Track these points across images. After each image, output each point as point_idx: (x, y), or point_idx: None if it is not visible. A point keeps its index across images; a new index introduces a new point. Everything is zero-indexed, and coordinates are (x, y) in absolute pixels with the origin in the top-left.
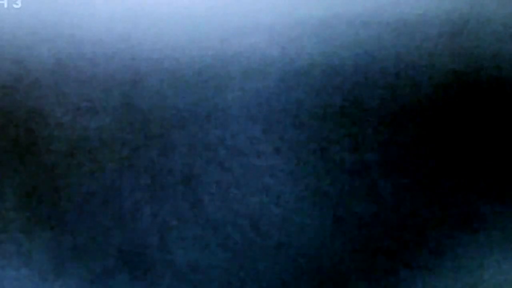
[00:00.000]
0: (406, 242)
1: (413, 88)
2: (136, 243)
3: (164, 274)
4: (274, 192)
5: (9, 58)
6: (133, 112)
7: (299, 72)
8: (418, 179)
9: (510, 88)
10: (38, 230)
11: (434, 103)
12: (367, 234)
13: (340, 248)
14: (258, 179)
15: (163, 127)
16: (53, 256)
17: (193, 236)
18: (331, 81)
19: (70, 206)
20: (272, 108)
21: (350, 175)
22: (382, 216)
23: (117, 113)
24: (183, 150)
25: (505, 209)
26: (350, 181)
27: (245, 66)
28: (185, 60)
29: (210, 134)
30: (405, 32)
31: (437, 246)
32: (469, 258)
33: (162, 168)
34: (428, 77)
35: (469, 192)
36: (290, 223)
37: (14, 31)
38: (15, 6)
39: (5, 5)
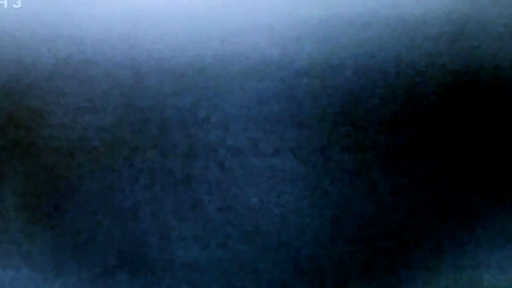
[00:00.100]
0: (406, 242)
1: (413, 88)
2: (136, 243)
3: (164, 274)
4: (274, 192)
5: (9, 58)
6: (133, 112)
7: (299, 72)
8: (418, 179)
9: (510, 88)
10: (38, 230)
11: (434, 103)
12: (367, 234)
13: (340, 248)
14: (258, 179)
15: (163, 127)
16: (53, 256)
17: (193, 236)
18: (331, 81)
19: (70, 206)
20: (272, 108)
21: (350, 175)
22: (382, 216)
23: (117, 113)
24: (183, 150)
25: (505, 209)
26: (350, 181)
27: (245, 66)
28: (185, 60)
29: (210, 134)
30: (405, 32)
31: (437, 246)
32: (469, 258)
33: (162, 168)
34: (428, 77)
35: (469, 192)
36: (290, 223)
37: (14, 31)
38: (15, 6)
39: (5, 5)
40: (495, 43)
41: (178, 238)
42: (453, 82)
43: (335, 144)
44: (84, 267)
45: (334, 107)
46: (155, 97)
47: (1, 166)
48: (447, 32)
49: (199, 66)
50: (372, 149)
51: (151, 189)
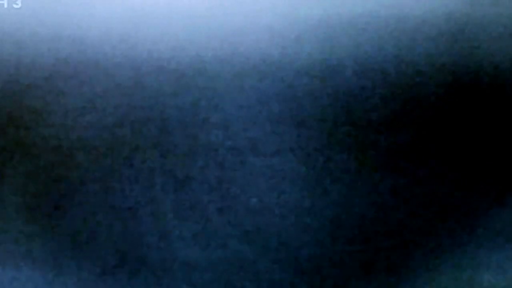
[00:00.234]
0: (406, 242)
1: (413, 88)
2: (136, 243)
3: (164, 274)
4: (274, 192)
5: (9, 58)
6: (133, 112)
7: (299, 72)
8: (418, 179)
9: (510, 88)
10: (38, 230)
11: (434, 103)
12: (367, 234)
13: (340, 248)
14: (258, 179)
15: (163, 127)
16: (53, 256)
17: (193, 236)
18: (331, 81)
19: (70, 206)
20: (272, 108)
21: (350, 175)
22: (382, 216)
23: (117, 113)
24: (183, 150)
25: (505, 209)
26: (350, 181)
27: (245, 66)
28: (185, 60)
29: (210, 134)
30: (405, 32)
31: (437, 246)
32: (469, 258)
33: (162, 168)
34: (428, 77)
35: (469, 192)
36: (290, 223)
37: (14, 31)
38: (15, 6)
39: (5, 5)
40: (495, 43)
41: (178, 238)
42: (453, 82)
43: (335, 144)
44: (84, 267)
45: (334, 107)
46: (155, 97)
47: (1, 166)
48: (447, 32)
49: (199, 66)
50: (372, 149)
51: (151, 189)
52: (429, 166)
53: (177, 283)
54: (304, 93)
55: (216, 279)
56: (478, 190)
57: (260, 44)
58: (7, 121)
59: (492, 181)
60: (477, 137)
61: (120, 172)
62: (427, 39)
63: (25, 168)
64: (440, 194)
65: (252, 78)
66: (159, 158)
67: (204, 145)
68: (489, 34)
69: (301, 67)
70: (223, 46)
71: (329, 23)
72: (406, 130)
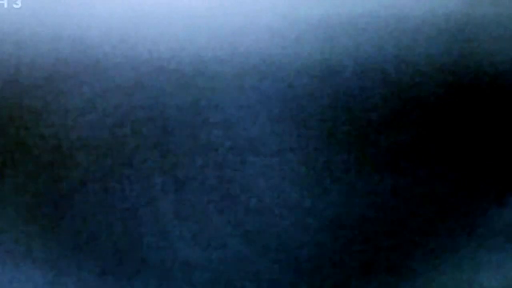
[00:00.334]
0: (406, 242)
1: (413, 88)
2: (135, 243)
3: (164, 274)
4: (274, 192)
5: (9, 58)
6: (133, 112)
7: (299, 72)
8: (418, 179)
9: (510, 88)
10: (38, 230)
11: (434, 103)
12: (367, 234)
13: (340, 248)
14: (258, 179)
15: (163, 127)
16: (53, 256)
17: (193, 236)
18: (331, 81)
19: (70, 206)
20: (272, 108)
21: (350, 175)
22: (382, 216)
23: (117, 113)
24: (183, 150)
25: (505, 209)
26: (350, 181)
27: (245, 66)
28: (185, 60)
29: (210, 134)
30: (405, 32)
31: (437, 246)
32: (469, 258)
33: (162, 168)
34: (428, 77)
35: (469, 192)
36: (290, 223)
37: (14, 31)
38: (15, 6)
39: (5, 5)
40: (495, 43)
41: (178, 238)
42: (453, 82)
43: (335, 144)
44: (84, 267)
45: (334, 107)
46: (155, 97)
47: (1, 166)
48: (447, 32)
49: (199, 66)
50: (372, 149)
51: (151, 189)
52: (429, 166)
53: (177, 283)
54: (304, 93)
55: (216, 279)
56: (478, 190)
57: (260, 44)
58: (7, 121)
59: (492, 181)
60: (477, 137)
61: (120, 172)
62: (427, 39)
63: (25, 168)
64: (440, 194)
65: (252, 78)
66: (159, 158)
67: (204, 145)
68: (489, 34)
69: (301, 67)
70: (223, 46)
71: (329, 23)
72: (406, 130)
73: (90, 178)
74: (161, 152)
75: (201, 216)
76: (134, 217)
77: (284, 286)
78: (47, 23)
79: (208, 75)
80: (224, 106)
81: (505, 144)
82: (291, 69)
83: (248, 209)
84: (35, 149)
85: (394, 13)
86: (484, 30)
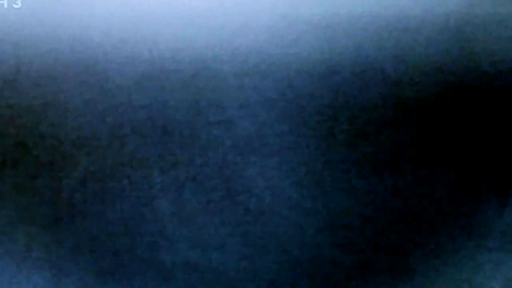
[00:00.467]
0: (406, 242)
1: (413, 88)
2: (135, 243)
3: (164, 274)
4: (274, 192)
5: (9, 58)
6: (134, 112)
7: (299, 72)
8: (418, 179)
9: (510, 88)
10: (38, 230)
11: (434, 103)
12: (367, 234)
13: (340, 248)
14: (258, 179)
15: (164, 127)
16: (53, 257)
17: (193, 237)
18: (331, 81)
19: (70, 206)
20: (272, 108)
21: (350, 175)
22: (382, 216)
23: (117, 113)
24: (183, 149)
25: (505, 209)
26: (350, 181)
27: (245, 66)
28: (185, 60)
29: (210, 134)
30: (405, 32)
31: (437, 246)
32: (469, 258)
33: (162, 168)
34: (428, 77)
35: (469, 192)
36: (290, 223)
37: (14, 31)
38: (15, 6)
39: (5, 5)
40: (495, 43)
41: (178, 238)
42: (453, 82)
43: (335, 144)
44: (84, 268)
45: (334, 107)
46: (155, 97)
47: (1, 166)
48: (447, 32)
49: (199, 66)
50: (372, 149)
51: (151, 189)
52: (429, 166)
53: (177, 283)
54: (304, 93)
55: (216, 279)
56: (478, 190)
57: (260, 44)
58: (7, 121)
59: (492, 181)
60: (477, 137)
61: (120, 172)
62: (427, 39)
63: (25, 168)
64: (440, 194)
65: (252, 77)
66: (159, 158)
67: (204, 145)
68: (489, 34)
69: (301, 67)
70: (223, 46)
71: (329, 23)
72: (406, 130)
73: (90, 178)
74: (161, 152)
75: (201, 216)
76: (134, 217)
77: (284, 286)
78: (47, 23)
79: (208, 74)
80: (224, 105)
81: (505, 144)
82: (291, 69)
83: (248, 209)
84: (35, 149)
85: (394, 13)
86: (484, 30)
